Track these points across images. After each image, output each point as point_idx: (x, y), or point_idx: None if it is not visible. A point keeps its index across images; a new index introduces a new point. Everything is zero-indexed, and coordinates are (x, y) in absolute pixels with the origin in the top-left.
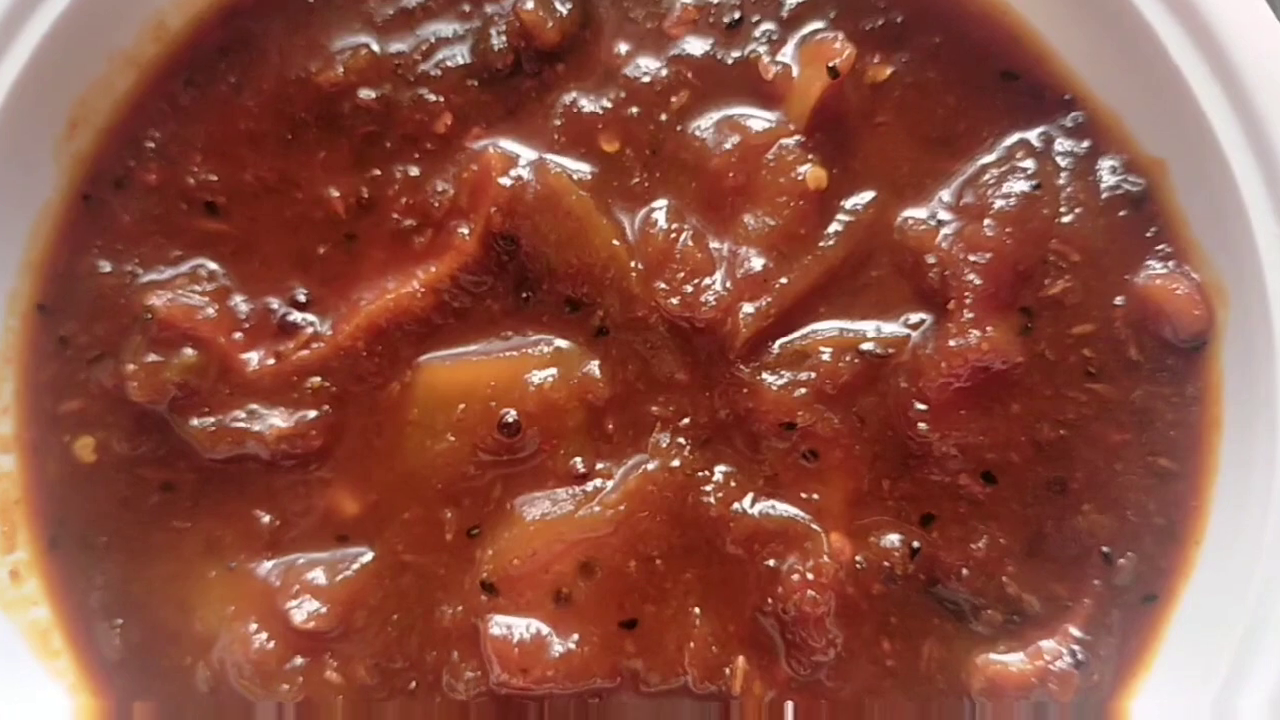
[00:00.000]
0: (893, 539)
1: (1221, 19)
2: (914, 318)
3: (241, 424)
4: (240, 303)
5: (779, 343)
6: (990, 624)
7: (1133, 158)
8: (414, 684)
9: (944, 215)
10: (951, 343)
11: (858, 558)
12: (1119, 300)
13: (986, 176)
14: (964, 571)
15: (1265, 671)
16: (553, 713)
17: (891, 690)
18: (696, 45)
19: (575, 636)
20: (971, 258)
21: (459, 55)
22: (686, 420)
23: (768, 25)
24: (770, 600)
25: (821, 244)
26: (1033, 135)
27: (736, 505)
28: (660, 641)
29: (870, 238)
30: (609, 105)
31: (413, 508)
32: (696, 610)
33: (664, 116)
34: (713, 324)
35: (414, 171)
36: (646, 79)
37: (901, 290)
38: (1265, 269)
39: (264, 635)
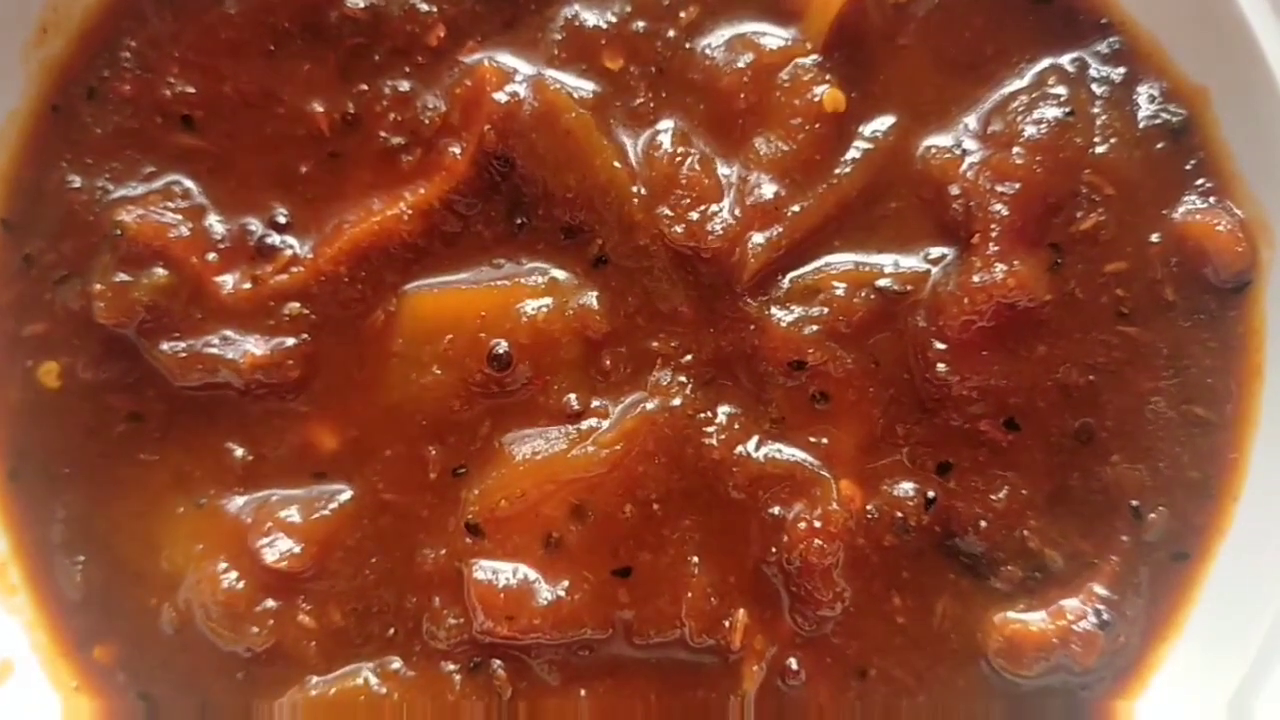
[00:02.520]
0: (907, 487)
1: None
2: (935, 252)
3: (214, 350)
4: (216, 222)
5: (790, 276)
6: (1009, 580)
7: (1173, 85)
8: (392, 630)
9: (969, 144)
10: (975, 278)
11: (869, 507)
12: (1155, 237)
13: (1015, 103)
14: (982, 524)
15: None
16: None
17: (902, 648)
18: None
19: (565, 584)
20: (998, 188)
21: None
22: (689, 357)
23: None
24: (774, 550)
25: (837, 171)
26: (1065, 60)
27: (740, 448)
28: (656, 591)
29: (890, 166)
30: (613, 19)
31: (395, 444)
32: (695, 559)
33: (672, 32)
34: (719, 254)
35: (403, 86)
36: None
37: (922, 222)
38: None
39: (234, 575)
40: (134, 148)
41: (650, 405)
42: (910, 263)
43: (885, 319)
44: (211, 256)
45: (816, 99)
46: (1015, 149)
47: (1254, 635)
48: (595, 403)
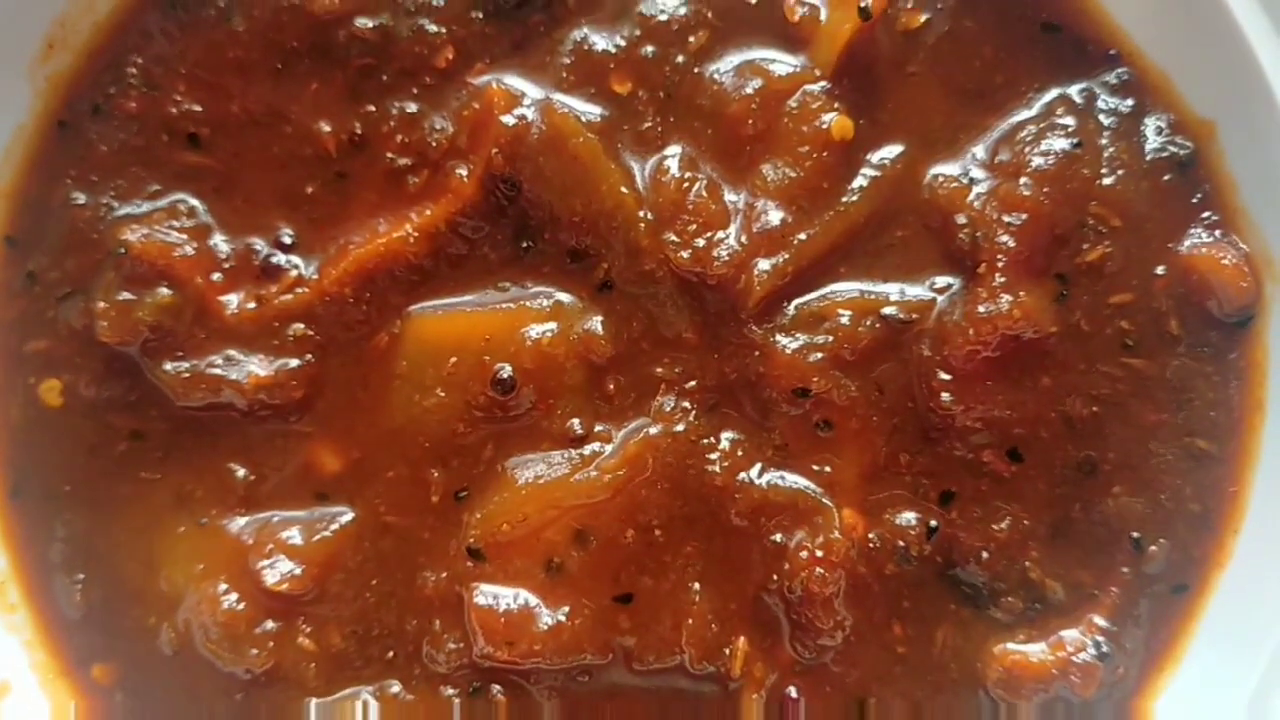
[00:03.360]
0: (909, 517)
1: None
2: (940, 281)
3: (218, 370)
4: (221, 242)
5: (795, 303)
6: (1010, 611)
7: (1180, 118)
8: (391, 653)
9: (977, 173)
10: (981, 308)
11: (871, 535)
12: (1160, 269)
13: (1024, 133)
14: (984, 554)
15: None
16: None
17: (901, 678)
18: None
19: (566, 609)
20: (1005, 218)
21: None
22: (693, 383)
23: None
24: (776, 577)
25: (844, 199)
26: (1074, 91)
27: (743, 475)
28: (656, 617)
29: (897, 194)
30: (622, 44)
31: (397, 466)
32: (696, 586)
33: (681, 58)
34: (725, 281)
35: (411, 108)
36: (663, 17)
37: (928, 251)
38: None
39: (234, 596)
40: (139, 165)
41: (653, 431)
42: (916, 291)
43: (890, 348)
44: (216, 276)
45: (824, 126)
46: (1023, 179)
47: (1252, 668)
48: (599, 427)
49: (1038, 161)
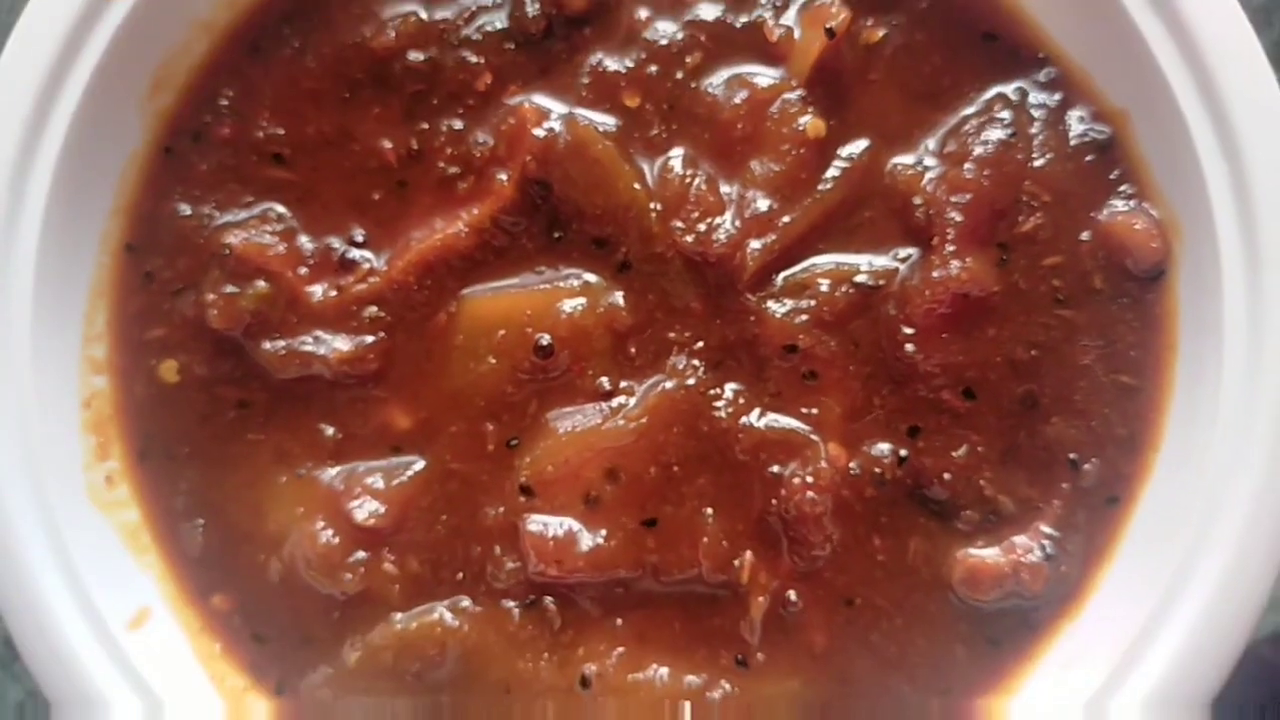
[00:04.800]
0: (883, 448)
1: None
2: (902, 252)
3: (308, 348)
4: (305, 241)
5: (782, 275)
6: (969, 522)
7: (1099, 109)
8: (460, 575)
9: (929, 161)
10: (935, 274)
11: (852, 464)
12: (1085, 235)
13: (967, 126)
14: (946, 476)
15: (1210, 563)
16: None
17: (881, 581)
18: (709, 10)
19: (603, 533)
20: (953, 198)
21: (497, 21)
22: (700, 344)
23: None
24: (774, 501)
25: (820, 187)
26: (1010, 89)
27: (744, 419)
28: (677, 538)
29: (864, 181)
30: (631, 65)
31: (458, 422)
32: (709, 511)
33: (680, 74)
34: (723, 259)
35: (458, 125)
36: (664, 41)
37: (891, 228)
38: (1214, 208)
39: (329, 532)
40: (234, 181)
41: (669, 385)
42: (882, 262)
43: (862, 309)
44: (303, 270)
45: (801, 128)
46: (967, 165)
47: (1173, 559)
48: (623, 384)
49: (979, 150)
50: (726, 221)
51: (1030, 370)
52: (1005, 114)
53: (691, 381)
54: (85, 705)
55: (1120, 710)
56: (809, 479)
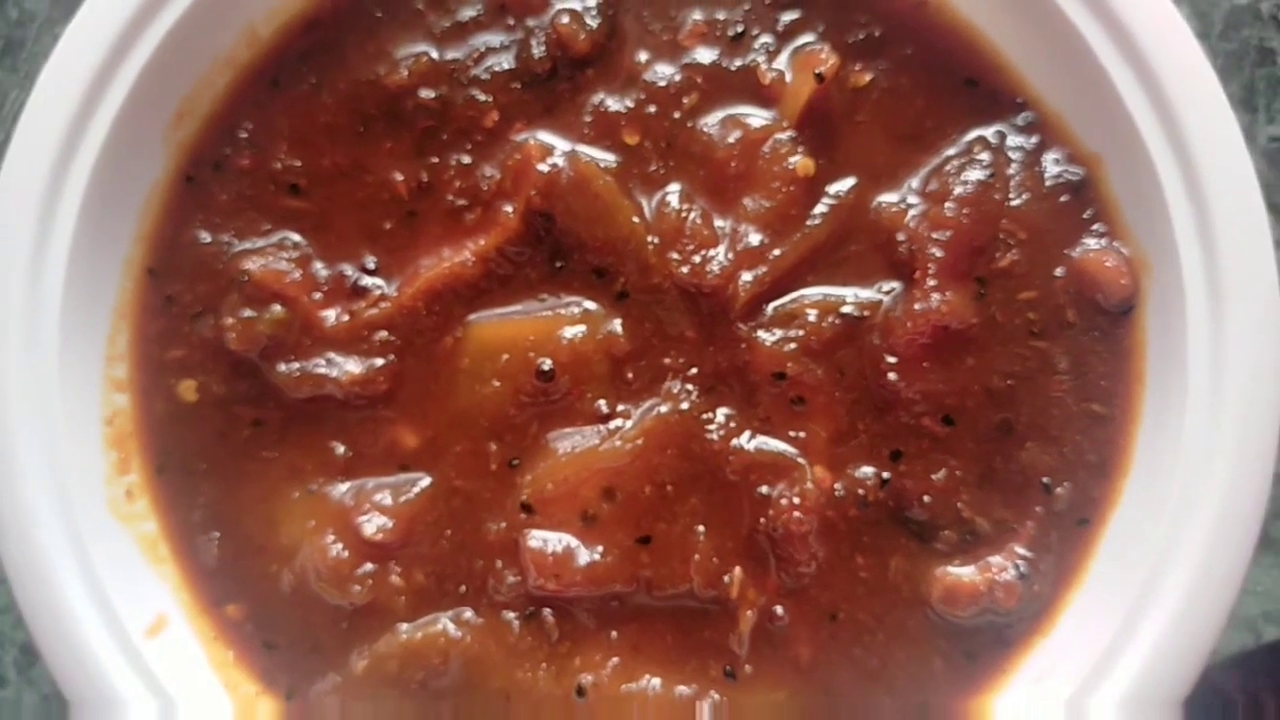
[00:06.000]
0: (866, 471)
1: (1146, 36)
2: (886, 285)
3: (321, 370)
4: (320, 268)
5: (772, 305)
6: (948, 542)
7: (1074, 152)
8: (464, 588)
9: (912, 199)
10: (917, 306)
11: (837, 486)
12: (1059, 271)
13: (949, 167)
14: (926, 499)
15: (1175, 581)
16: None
17: (863, 597)
18: (705, 54)
19: (599, 549)
20: (935, 235)
21: (505, 62)
22: (694, 370)
23: (766, 38)
24: (763, 521)
25: (809, 223)
26: (989, 132)
27: (735, 441)
28: (670, 554)
29: (850, 218)
30: (631, 105)
31: (463, 442)
32: (701, 529)
33: (677, 114)
34: (716, 289)
35: (466, 159)
36: (663, 83)
37: (876, 262)
38: (1180, 247)
39: (339, 546)
40: (253, 210)
41: (664, 408)
42: (867, 294)
43: (848, 338)
44: (317, 295)
45: (792, 166)
46: (948, 203)
47: (1139, 579)
48: (620, 407)
49: (959, 189)
50: (720, 254)
51: (1006, 398)
52: (985, 155)
53: (685, 406)
54: (103, 707)
55: (1093, 711)
56: (796, 500)
